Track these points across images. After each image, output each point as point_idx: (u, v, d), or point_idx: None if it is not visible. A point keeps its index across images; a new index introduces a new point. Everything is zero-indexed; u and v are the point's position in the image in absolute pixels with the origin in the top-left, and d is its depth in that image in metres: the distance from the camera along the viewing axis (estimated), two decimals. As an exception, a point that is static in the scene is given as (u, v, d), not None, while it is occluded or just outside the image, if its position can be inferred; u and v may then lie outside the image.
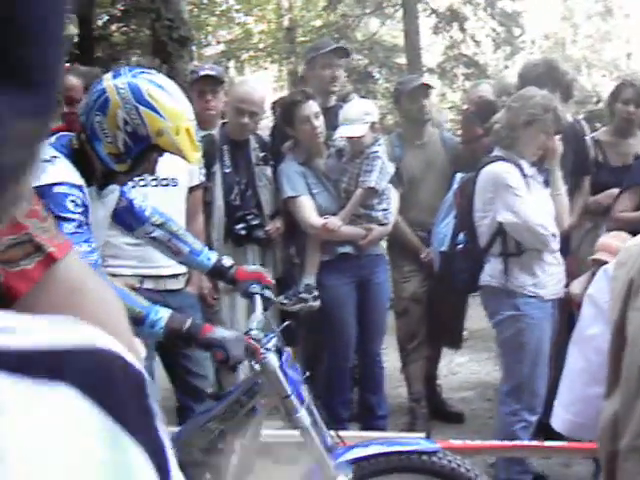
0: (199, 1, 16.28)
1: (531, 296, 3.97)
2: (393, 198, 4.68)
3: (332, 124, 4.53)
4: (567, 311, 4.06)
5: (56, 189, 2.33)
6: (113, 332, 0.56)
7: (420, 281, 5.09)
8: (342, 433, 3.14)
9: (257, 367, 2.75)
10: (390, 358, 5.72)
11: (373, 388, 4.81)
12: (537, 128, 4.01)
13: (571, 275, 4.08)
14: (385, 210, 4.57)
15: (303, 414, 2.79)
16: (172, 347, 3.64)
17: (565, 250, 4.32)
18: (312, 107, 4.46)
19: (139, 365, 0.55)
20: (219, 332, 2.60)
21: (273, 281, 3.18)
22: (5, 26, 0.40)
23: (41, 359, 0.49)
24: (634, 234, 1.69)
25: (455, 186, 4.40)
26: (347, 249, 4.55)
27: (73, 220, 2.34)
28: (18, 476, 0.47)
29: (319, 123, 4.47)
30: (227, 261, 3.12)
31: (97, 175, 2.62)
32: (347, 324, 4.58)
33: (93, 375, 0.51)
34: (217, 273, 3.15)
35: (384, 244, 5.13)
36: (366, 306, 4.64)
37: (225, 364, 2.58)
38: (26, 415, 0.50)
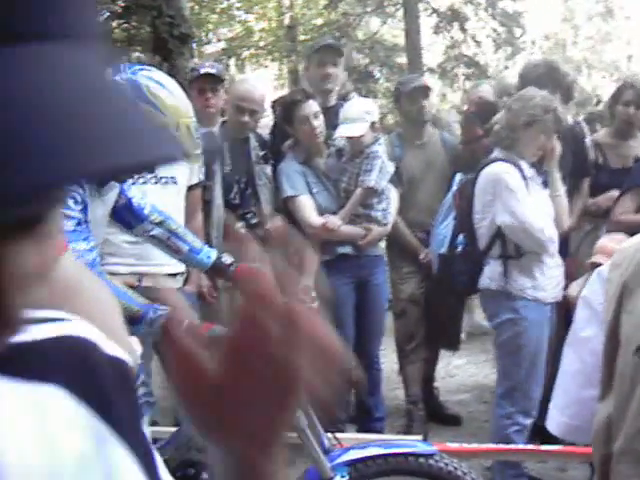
0: (200, -1, 16.28)
1: (530, 299, 3.97)
2: (393, 198, 4.67)
3: (332, 123, 4.53)
4: (564, 314, 4.05)
5: None
6: (107, 330, 0.56)
7: (418, 282, 5.08)
8: (339, 435, 3.14)
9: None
10: (387, 360, 5.71)
11: (370, 390, 4.80)
12: (537, 129, 4.00)
13: (570, 277, 4.07)
14: (384, 210, 4.56)
15: (300, 415, 2.78)
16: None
17: (564, 252, 4.32)
18: (312, 107, 4.45)
19: (127, 358, 0.55)
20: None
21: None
22: None
23: (28, 356, 0.49)
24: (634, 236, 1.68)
25: (454, 187, 4.39)
26: (346, 249, 4.54)
27: (72, 218, 2.33)
28: (14, 475, 0.47)
29: (318, 123, 4.46)
30: (227, 259, 3.11)
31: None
32: (345, 325, 4.57)
33: (79, 372, 0.51)
34: (217, 271, 3.14)
35: (382, 245, 5.12)
36: (364, 307, 4.63)
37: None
38: (18, 416, 0.49)
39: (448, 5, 15.85)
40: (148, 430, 3.28)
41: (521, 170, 3.96)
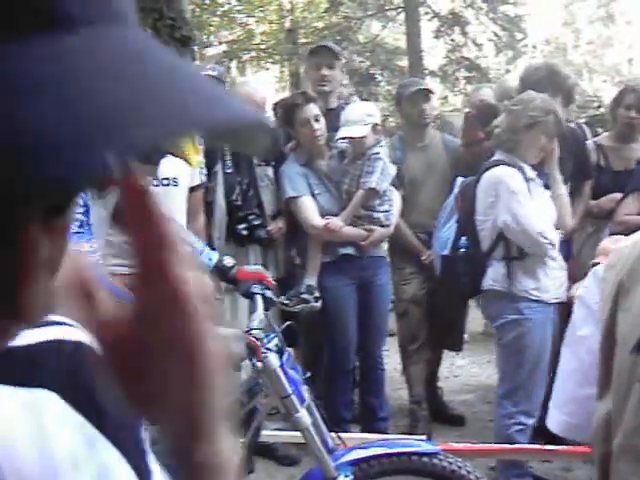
0: (201, 1, 16.28)
1: (534, 300, 3.97)
2: (395, 200, 4.68)
3: (334, 126, 4.53)
4: (567, 315, 4.05)
5: None
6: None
7: (420, 283, 5.08)
8: (343, 435, 3.14)
9: (258, 365, 2.75)
10: (391, 360, 5.72)
11: (374, 390, 4.81)
12: (538, 131, 4.00)
13: (573, 279, 4.07)
14: (386, 211, 4.57)
15: (303, 414, 2.79)
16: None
17: (567, 254, 4.32)
18: (312, 110, 4.46)
19: None
20: (220, 330, 2.60)
21: (274, 282, 3.18)
22: None
23: (23, 360, 0.49)
24: None
25: (456, 190, 4.39)
26: (349, 250, 4.54)
27: (75, 219, 2.34)
28: (10, 476, 0.48)
29: (319, 126, 4.46)
30: (229, 261, 3.12)
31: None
32: (348, 326, 4.57)
33: (73, 377, 0.51)
34: (218, 273, 3.14)
35: (385, 246, 5.13)
36: (368, 308, 4.63)
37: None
38: (14, 418, 0.50)
39: (449, 9, 15.87)
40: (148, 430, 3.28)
41: (523, 172, 3.96)
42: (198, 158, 2.72)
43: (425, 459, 2.97)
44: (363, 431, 4.53)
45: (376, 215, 4.52)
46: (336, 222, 4.44)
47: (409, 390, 5.19)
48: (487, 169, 4.06)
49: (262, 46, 17.99)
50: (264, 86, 8.84)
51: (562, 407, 1.64)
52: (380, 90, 16.14)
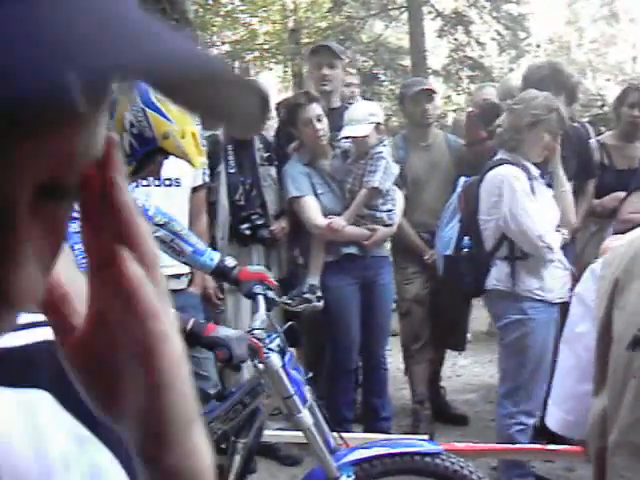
0: (204, 1, 16.28)
1: (538, 300, 3.97)
2: (398, 199, 4.67)
3: (337, 125, 4.53)
4: (566, 313, 4.04)
5: None
6: None
7: (423, 283, 5.08)
8: (345, 435, 3.14)
9: (260, 366, 2.75)
10: (394, 360, 5.72)
11: (377, 390, 4.81)
12: (541, 129, 3.99)
13: (576, 279, 4.06)
14: (389, 211, 4.56)
15: (305, 414, 2.79)
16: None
17: (570, 253, 4.32)
18: (315, 110, 4.46)
19: None
20: (222, 331, 2.60)
21: (276, 282, 3.18)
22: None
23: (16, 361, 0.49)
24: None
25: (459, 190, 4.38)
26: (352, 250, 4.54)
27: (78, 219, 2.34)
28: (6, 475, 0.48)
29: (321, 126, 4.46)
30: (230, 261, 3.12)
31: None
32: (351, 325, 4.57)
33: (65, 377, 0.51)
34: (220, 273, 3.15)
35: (387, 245, 5.13)
36: (370, 307, 4.63)
37: (228, 363, 2.58)
38: (9, 417, 0.50)
39: (452, 8, 15.86)
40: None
41: (527, 171, 3.96)
42: (201, 159, 2.71)
43: (427, 459, 2.96)
44: (365, 431, 4.53)
45: (379, 214, 4.52)
46: (339, 221, 4.43)
47: (412, 390, 5.19)
48: (490, 168, 4.05)
49: (265, 46, 17.99)
50: (267, 86, 8.84)
51: (561, 404, 1.65)
52: (383, 89, 16.14)
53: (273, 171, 4.69)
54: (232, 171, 4.58)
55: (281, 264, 4.74)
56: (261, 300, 2.96)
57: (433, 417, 5.12)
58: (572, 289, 3.95)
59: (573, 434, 1.62)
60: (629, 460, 1.39)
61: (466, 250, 4.22)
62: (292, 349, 2.99)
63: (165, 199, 3.63)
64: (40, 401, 0.50)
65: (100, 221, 0.51)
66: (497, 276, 4.05)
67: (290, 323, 3.11)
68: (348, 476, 2.85)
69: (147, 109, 2.50)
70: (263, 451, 4.11)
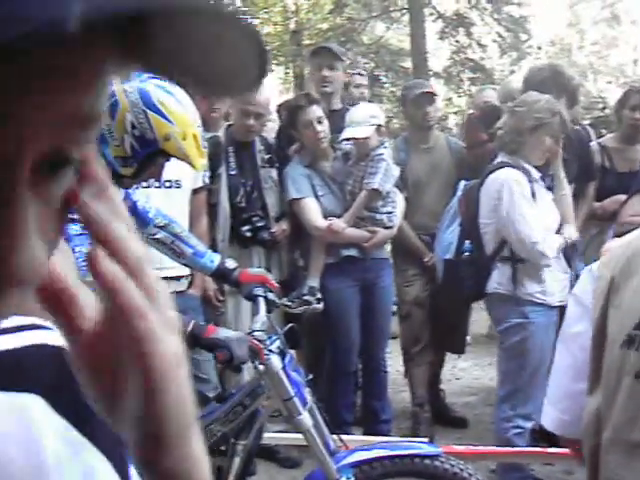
0: (205, 3, 16.27)
1: (539, 303, 3.96)
2: (398, 201, 4.67)
3: (338, 127, 4.53)
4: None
5: None
6: None
7: (423, 285, 5.08)
8: (345, 437, 3.14)
9: (260, 367, 2.75)
10: (393, 362, 5.71)
11: (376, 393, 4.81)
12: (544, 132, 3.99)
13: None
14: (390, 213, 4.56)
15: (305, 416, 2.79)
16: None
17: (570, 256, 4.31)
18: (315, 112, 4.46)
19: None
20: (223, 332, 2.60)
21: (277, 284, 3.18)
22: None
23: (6, 365, 0.49)
24: None
25: (459, 193, 4.38)
26: (352, 252, 4.54)
27: (79, 221, 2.34)
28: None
29: (322, 128, 4.46)
30: (231, 263, 3.12)
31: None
32: (350, 327, 4.57)
33: (56, 381, 0.51)
34: (220, 275, 3.15)
35: (388, 248, 5.13)
36: (370, 310, 4.63)
37: (229, 364, 2.58)
38: (2, 421, 0.50)
39: (454, 10, 15.87)
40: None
41: (528, 174, 3.95)
42: (203, 161, 2.71)
43: (427, 461, 2.96)
44: (365, 434, 4.53)
45: (379, 217, 4.52)
46: (339, 223, 4.44)
47: (411, 392, 5.19)
48: (491, 172, 4.04)
49: (266, 47, 18.00)
50: (268, 87, 8.84)
51: (556, 403, 1.66)
52: (384, 91, 16.15)
53: (274, 173, 4.69)
54: (233, 173, 4.58)
55: (282, 266, 4.74)
56: (261, 302, 2.96)
57: (433, 420, 5.12)
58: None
59: (568, 434, 1.63)
60: (622, 458, 1.40)
61: (467, 254, 4.22)
62: (292, 351, 2.99)
63: (165, 201, 3.63)
64: (32, 404, 0.50)
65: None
66: (498, 279, 4.05)
67: (290, 325, 3.11)
68: (348, 478, 2.85)
69: (148, 111, 2.50)
70: (263, 453, 4.11)
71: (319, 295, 4.34)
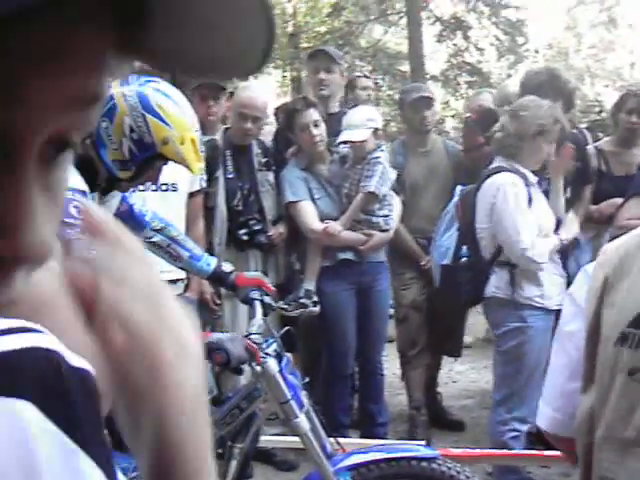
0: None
1: (537, 307, 3.96)
2: (395, 205, 4.68)
3: (335, 130, 4.53)
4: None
5: None
6: (81, 347, 0.55)
7: (420, 288, 5.08)
8: (342, 440, 3.14)
9: (257, 370, 2.75)
10: (390, 365, 5.71)
11: (373, 396, 4.81)
12: (545, 139, 3.99)
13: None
14: (386, 216, 4.57)
15: (302, 419, 2.79)
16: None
17: (566, 259, 4.32)
18: (312, 115, 4.46)
19: (92, 370, 0.54)
20: (215, 336, 2.61)
21: (274, 287, 3.18)
22: None
23: None
24: None
25: (456, 198, 4.38)
26: (348, 255, 4.54)
27: (76, 226, 2.34)
28: None
29: (318, 131, 4.47)
30: (227, 267, 3.12)
31: (100, 181, 2.63)
32: (346, 331, 4.57)
33: (47, 385, 0.51)
34: (217, 279, 3.15)
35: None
36: (367, 313, 4.63)
37: (227, 366, 2.58)
38: None
39: (451, 13, 15.89)
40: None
41: (525, 178, 3.96)
42: (200, 165, 2.72)
43: (424, 464, 2.96)
44: (362, 437, 4.53)
45: (375, 220, 4.52)
46: (335, 226, 4.44)
47: (408, 395, 5.19)
48: (488, 176, 4.04)
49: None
50: (266, 91, 8.85)
51: (551, 403, 1.66)
52: (382, 95, 16.14)
53: (271, 176, 4.69)
54: (230, 176, 4.58)
55: (278, 269, 4.74)
56: (258, 305, 2.97)
57: (429, 423, 5.12)
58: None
59: (562, 432, 1.63)
60: (615, 456, 1.41)
61: (465, 259, 4.22)
62: (289, 354, 2.99)
63: (161, 204, 3.63)
64: (24, 409, 0.50)
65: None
66: (496, 284, 4.05)
67: (287, 328, 3.11)
68: (344, 481, 2.85)
69: (147, 115, 2.51)
70: (259, 456, 4.11)
71: (315, 298, 4.34)
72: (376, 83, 15.91)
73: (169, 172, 2.90)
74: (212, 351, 2.54)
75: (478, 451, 3.77)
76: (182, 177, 3.89)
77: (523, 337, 3.96)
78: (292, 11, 17.66)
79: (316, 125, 4.45)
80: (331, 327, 4.56)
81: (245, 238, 4.53)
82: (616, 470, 1.41)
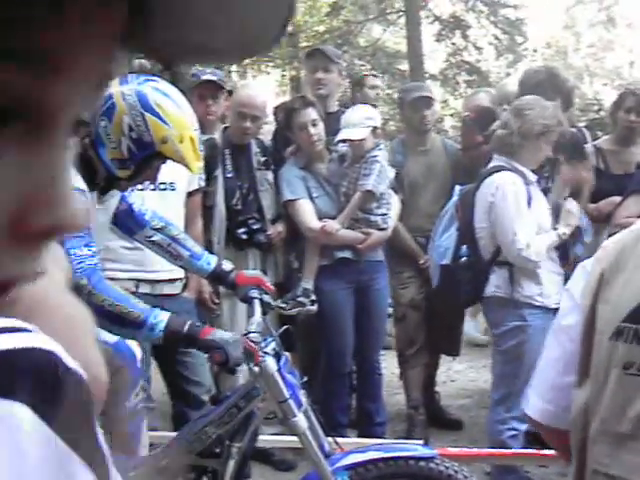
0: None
1: (537, 306, 3.96)
2: (393, 203, 4.67)
3: (334, 129, 4.53)
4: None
5: None
6: (74, 348, 0.55)
7: (418, 287, 5.08)
8: (340, 439, 3.14)
9: (255, 369, 2.75)
10: (388, 364, 5.71)
11: (371, 395, 4.81)
12: (546, 139, 4.00)
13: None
14: (384, 215, 4.56)
15: (300, 418, 2.79)
16: (172, 350, 3.65)
17: (565, 257, 4.32)
18: (310, 114, 4.46)
19: (84, 373, 0.54)
20: (218, 334, 2.60)
21: (273, 286, 3.18)
22: None
23: None
24: None
25: (455, 198, 4.38)
26: (346, 254, 4.54)
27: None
28: None
29: (316, 130, 4.47)
30: (227, 265, 3.12)
31: (99, 180, 2.63)
32: (344, 330, 4.57)
33: (40, 386, 0.51)
34: (217, 277, 3.15)
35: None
36: (365, 312, 4.63)
37: (224, 366, 2.58)
38: None
39: (450, 12, 15.89)
40: (147, 435, 3.29)
41: (524, 177, 3.96)
42: (199, 164, 2.72)
43: (422, 463, 2.96)
44: (360, 436, 4.52)
45: (373, 218, 4.52)
46: (332, 224, 4.43)
47: (406, 395, 5.19)
48: (487, 176, 4.04)
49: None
50: (265, 90, 8.86)
51: (543, 395, 1.67)
52: (381, 93, 16.14)
53: (270, 176, 4.69)
54: (229, 175, 4.58)
55: (277, 268, 4.74)
56: (257, 304, 2.96)
57: (428, 422, 5.12)
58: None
59: (553, 423, 1.64)
60: (609, 449, 1.42)
61: (464, 259, 4.22)
62: (287, 353, 2.99)
63: (160, 203, 3.62)
64: (17, 410, 0.50)
65: None
66: (496, 283, 4.04)
67: (285, 327, 3.11)
68: (342, 480, 2.85)
69: (146, 113, 2.51)
70: (258, 456, 4.10)
71: (313, 297, 4.35)
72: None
73: (167, 171, 2.90)
74: (212, 349, 2.54)
75: (476, 450, 3.77)
76: (180, 176, 3.89)
77: (523, 336, 3.95)
78: (291, 10, 17.64)
79: (314, 124, 4.45)
80: (329, 326, 4.55)
81: (244, 237, 4.53)
82: (610, 464, 1.42)
